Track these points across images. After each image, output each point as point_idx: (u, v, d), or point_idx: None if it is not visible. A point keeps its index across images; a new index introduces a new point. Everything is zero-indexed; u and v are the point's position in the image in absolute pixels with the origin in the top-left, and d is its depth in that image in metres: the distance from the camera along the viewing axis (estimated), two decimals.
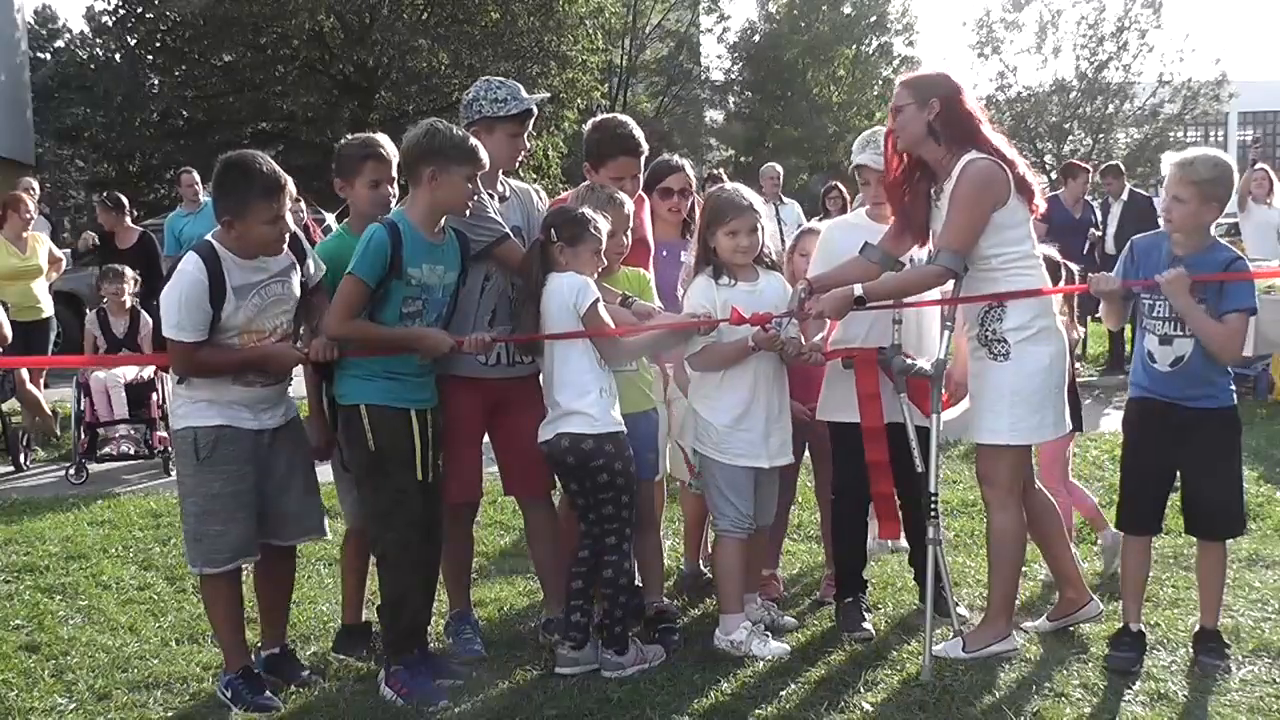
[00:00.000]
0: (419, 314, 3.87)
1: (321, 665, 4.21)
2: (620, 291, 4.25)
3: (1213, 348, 3.90)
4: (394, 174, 4.18)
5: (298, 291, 3.93)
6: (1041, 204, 4.15)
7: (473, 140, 3.91)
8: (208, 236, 3.81)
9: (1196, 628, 4.10)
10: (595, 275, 4.05)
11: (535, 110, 4.32)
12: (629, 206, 4.33)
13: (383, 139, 4.21)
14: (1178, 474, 4.09)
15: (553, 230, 4.02)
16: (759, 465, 4.25)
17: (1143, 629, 4.09)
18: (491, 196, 4.19)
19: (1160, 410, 4.01)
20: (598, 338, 3.98)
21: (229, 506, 3.79)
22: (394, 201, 4.16)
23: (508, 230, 4.12)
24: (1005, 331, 3.98)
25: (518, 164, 4.36)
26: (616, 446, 3.97)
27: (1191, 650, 4.04)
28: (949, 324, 4.22)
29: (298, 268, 3.92)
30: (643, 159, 4.58)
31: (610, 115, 4.85)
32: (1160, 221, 4.07)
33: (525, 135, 4.31)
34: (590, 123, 4.75)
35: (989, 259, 3.99)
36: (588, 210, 4.08)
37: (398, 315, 3.84)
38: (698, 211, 4.80)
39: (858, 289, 3.99)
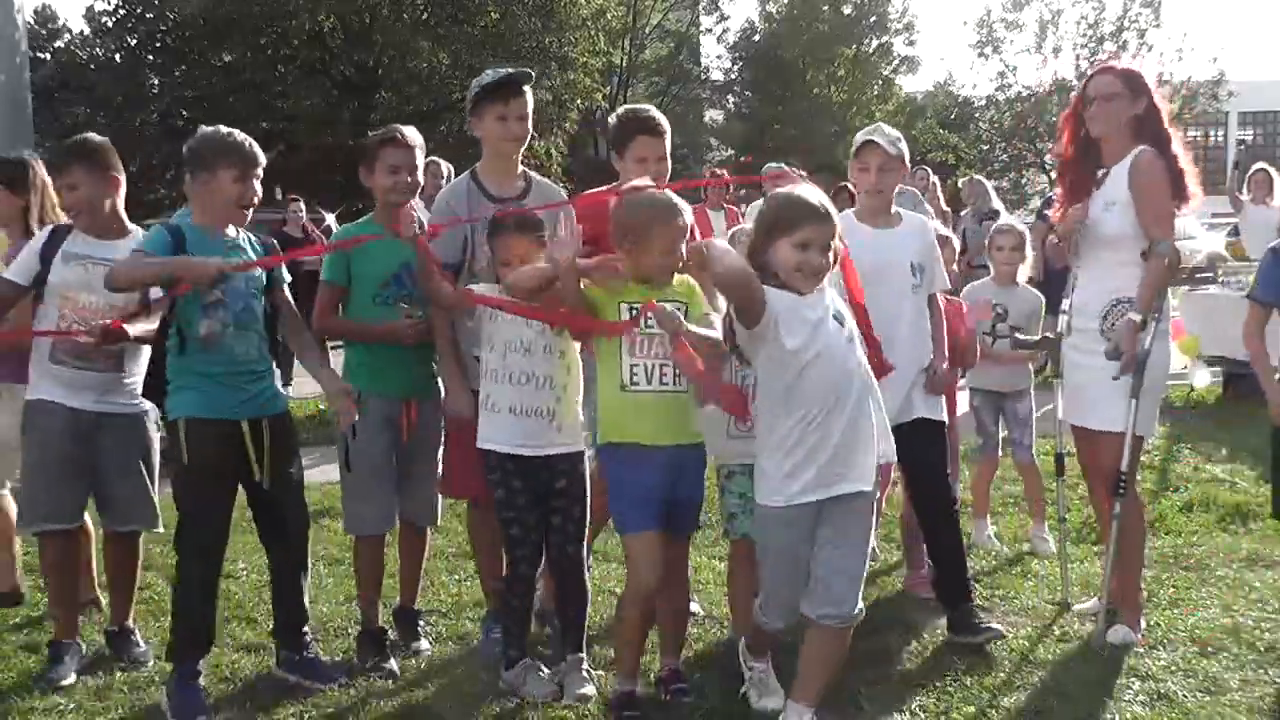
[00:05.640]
0: (220, 303, 3.77)
1: (344, 665, 4.19)
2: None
3: None
4: (416, 162, 4.22)
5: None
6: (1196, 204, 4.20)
7: (235, 137, 3.85)
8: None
9: None
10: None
11: (523, 91, 4.18)
12: (686, 218, 3.66)
13: (406, 128, 4.27)
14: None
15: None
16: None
17: None
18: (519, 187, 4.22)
19: None
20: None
21: (39, 475, 4.12)
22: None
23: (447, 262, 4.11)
24: None
25: (519, 151, 4.29)
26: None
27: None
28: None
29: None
30: (666, 139, 4.35)
31: (634, 104, 4.74)
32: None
33: (516, 118, 4.20)
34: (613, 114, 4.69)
35: (1135, 249, 4.05)
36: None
37: (198, 307, 3.75)
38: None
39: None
